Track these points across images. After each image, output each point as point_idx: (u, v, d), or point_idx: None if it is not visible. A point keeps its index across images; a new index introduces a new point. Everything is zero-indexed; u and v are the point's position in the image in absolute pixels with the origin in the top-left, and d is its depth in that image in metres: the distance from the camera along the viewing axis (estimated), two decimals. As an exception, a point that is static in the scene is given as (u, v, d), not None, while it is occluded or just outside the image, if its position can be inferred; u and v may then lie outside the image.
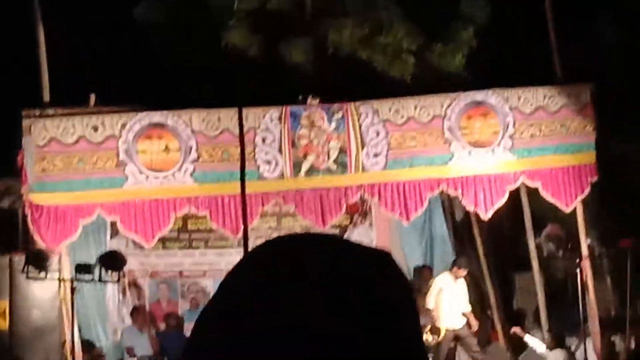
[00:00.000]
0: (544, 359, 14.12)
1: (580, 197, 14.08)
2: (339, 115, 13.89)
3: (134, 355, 14.46)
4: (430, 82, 14.85)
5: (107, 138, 13.39)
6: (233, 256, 15.01)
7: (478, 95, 14.15)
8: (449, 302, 14.26)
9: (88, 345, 14.29)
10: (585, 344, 13.90)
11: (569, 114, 14.16)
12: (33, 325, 13.38)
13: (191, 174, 13.55)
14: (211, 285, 15.88)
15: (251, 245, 13.35)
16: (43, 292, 13.37)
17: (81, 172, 13.30)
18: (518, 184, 14.17)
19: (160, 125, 13.59)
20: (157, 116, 13.61)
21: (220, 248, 16.01)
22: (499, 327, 15.80)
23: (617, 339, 14.48)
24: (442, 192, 14.53)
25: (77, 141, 13.31)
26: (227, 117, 13.66)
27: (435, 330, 14.26)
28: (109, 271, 13.15)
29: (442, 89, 14.28)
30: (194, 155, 13.55)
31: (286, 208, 14.67)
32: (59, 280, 13.03)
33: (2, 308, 13.47)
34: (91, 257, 13.85)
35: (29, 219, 13.26)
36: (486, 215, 14.06)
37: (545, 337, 14.62)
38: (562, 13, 14.71)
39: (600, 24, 16.59)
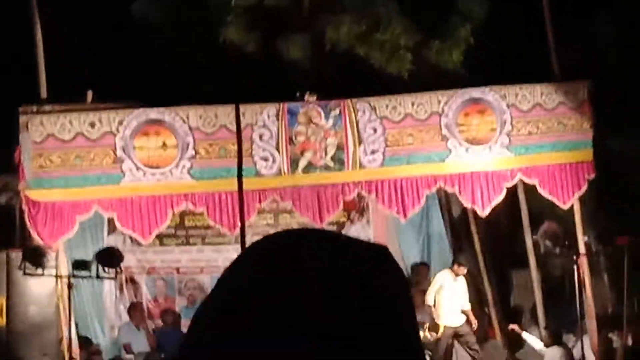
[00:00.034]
0: (541, 356, 14.12)
1: (577, 195, 14.10)
2: (336, 112, 13.89)
3: (131, 352, 14.45)
4: (428, 79, 14.84)
5: (104, 134, 13.39)
6: (230, 253, 15.02)
7: (475, 93, 14.15)
8: (449, 300, 14.27)
9: (85, 342, 14.28)
10: (582, 341, 13.91)
11: (567, 112, 14.17)
12: (30, 321, 13.37)
13: (188, 171, 13.55)
14: (208, 282, 15.87)
15: (248, 242, 13.35)
16: (40, 289, 13.37)
17: (78, 169, 13.30)
18: (515, 181, 14.18)
19: (158, 122, 13.59)
20: (154, 113, 13.61)
21: (218, 245, 16.00)
22: (496, 324, 15.80)
23: (614, 336, 14.49)
24: (439, 189, 14.54)
25: (74, 138, 13.31)
26: (224, 113, 13.66)
27: (434, 328, 14.27)
28: (106, 268, 13.14)
29: (439, 86, 14.28)
30: (191, 151, 13.55)
31: (283, 205, 14.67)
32: (56, 276, 13.02)
33: (-1, 304, 13.47)
34: (88, 254, 13.86)
35: (26, 215, 13.26)
36: (483, 212, 14.06)
37: (542, 334, 14.62)
38: (560, 10, 14.71)
39: (597, 22, 16.58)
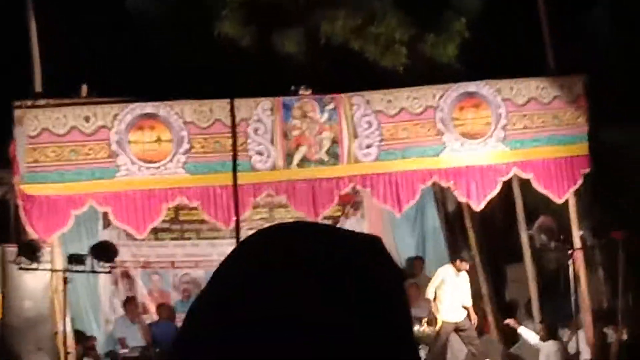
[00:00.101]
0: (536, 350, 14.14)
1: (572, 189, 14.10)
2: (331, 106, 13.88)
3: (126, 346, 14.46)
4: (423, 73, 14.84)
5: (99, 129, 13.37)
6: (225, 247, 14.99)
7: (470, 87, 14.15)
8: (450, 295, 14.26)
9: (80, 336, 14.27)
10: (577, 336, 13.93)
11: (562, 106, 14.16)
12: (25, 315, 13.37)
13: (183, 165, 13.54)
14: (203, 276, 15.87)
15: (243, 236, 13.34)
16: (35, 283, 13.36)
17: (73, 163, 13.28)
18: (510, 175, 14.18)
19: (152, 116, 13.57)
20: (149, 107, 13.59)
21: (212, 239, 16.01)
22: (491, 318, 15.81)
23: (609, 330, 14.50)
24: (434, 184, 14.53)
25: (68, 132, 13.29)
26: (219, 108, 13.65)
27: (432, 322, 14.28)
28: (101, 262, 13.13)
29: (434, 80, 14.28)
30: (185, 146, 13.54)
31: (278, 199, 14.65)
32: (51, 271, 13.01)
33: (-6, 299, 13.47)
34: (83, 248, 13.84)
35: (20, 209, 13.24)
36: (478, 206, 14.07)
37: (537, 328, 14.64)
38: (555, 4, 14.70)
39: (593, 16, 16.58)
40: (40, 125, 13.22)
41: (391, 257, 1.20)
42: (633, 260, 14.02)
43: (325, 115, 13.86)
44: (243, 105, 13.68)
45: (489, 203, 14.08)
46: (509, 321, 14.80)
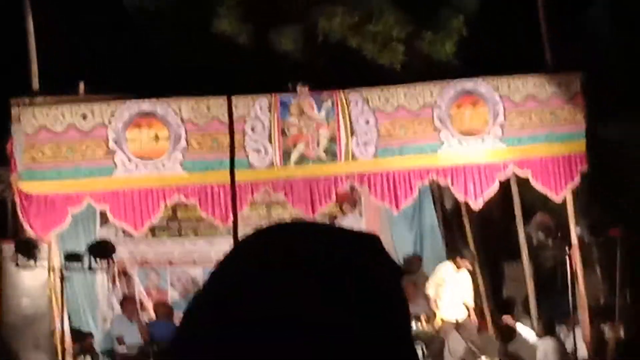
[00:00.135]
0: (533, 347, 14.15)
1: (570, 186, 14.09)
2: (329, 103, 13.88)
3: (124, 344, 14.44)
4: (420, 70, 14.83)
5: (96, 126, 13.37)
6: (223, 245, 15.00)
7: (468, 84, 14.14)
8: (451, 292, 14.27)
9: (78, 334, 14.26)
10: (574, 333, 13.94)
11: (559, 103, 14.16)
12: (23, 313, 13.37)
13: (180, 163, 13.53)
14: (201, 274, 15.86)
15: (241, 234, 13.35)
16: (33, 281, 13.36)
17: (70, 161, 13.28)
18: (508, 173, 14.17)
19: (150, 114, 13.57)
20: (146, 104, 13.59)
21: (210, 236, 16.00)
22: (488, 316, 15.82)
23: (606, 328, 14.52)
24: (432, 182, 14.53)
25: (66, 129, 13.28)
26: (216, 105, 13.65)
27: (431, 319, 14.29)
28: (98, 260, 13.13)
29: (432, 77, 14.27)
30: (183, 143, 13.53)
31: (276, 197, 14.65)
32: (49, 269, 13.01)
33: (-9, 296, 13.46)
34: (81, 246, 13.85)
35: (18, 207, 13.24)
36: (476, 204, 14.05)
37: (534, 326, 14.65)
38: (553, 1, 14.70)
39: (591, 13, 16.58)
40: (38, 123, 13.21)
41: (390, 255, 1.20)
42: (630, 257, 14.04)
43: (323, 113, 13.85)
44: (240, 103, 13.67)
45: (486, 201, 14.08)
46: (506, 318, 14.82)
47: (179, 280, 16.28)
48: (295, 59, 15.40)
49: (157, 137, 13.53)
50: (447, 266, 14.56)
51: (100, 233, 15.35)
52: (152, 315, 15.40)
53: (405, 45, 15.31)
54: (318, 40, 15.47)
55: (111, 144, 13.37)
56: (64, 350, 13.11)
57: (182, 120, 13.55)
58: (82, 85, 13.87)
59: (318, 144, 13.82)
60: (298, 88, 13.89)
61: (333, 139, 13.83)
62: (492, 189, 13.97)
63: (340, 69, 14.84)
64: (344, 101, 13.86)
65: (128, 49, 16.06)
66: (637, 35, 15.62)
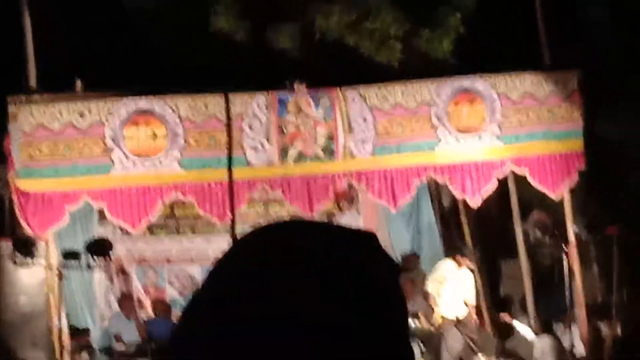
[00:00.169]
0: (531, 345, 14.16)
1: (567, 184, 14.09)
2: (326, 101, 13.87)
3: (122, 342, 14.44)
4: (418, 68, 14.83)
5: (93, 124, 13.35)
6: (220, 242, 14.98)
7: (465, 81, 14.14)
8: (452, 290, 14.28)
9: (75, 332, 14.26)
10: (571, 330, 13.95)
11: (557, 101, 14.16)
12: (20, 311, 13.37)
13: (178, 161, 13.52)
14: (198, 272, 15.86)
15: (238, 231, 13.35)
16: (30, 279, 13.36)
17: (68, 158, 13.26)
18: (505, 170, 14.16)
19: (147, 112, 13.55)
20: (143, 102, 13.57)
21: (208, 234, 15.99)
22: (485, 313, 15.82)
23: (603, 325, 14.53)
24: (429, 179, 14.53)
25: (63, 127, 13.27)
26: (214, 103, 13.64)
27: (429, 316, 14.29)
28: (96, 258, 13.12)
29: (429, 75, 14.27)
30: (180, 141, 13.52)
31: (273, 194, 14.65)
32: (46, 266, 13.00)
33: (-12, 294, 13.46)
34: (78, 243, 13.84)
35: (15, 205, 13.22)
36: (474, 202, 14.05)
37: (531, 323, 14.66)
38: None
39: (588, 11, 16.58)
40: (35, 120, 13.20)
41: (387, 253, 1.21)
42: (627, 255, 14.05)
43: (320, 111, 13.84)
44: (238, 100, 13.66)
45: (484, 199, 14.07)
46: (504, 316, 14.82)
47: (177, 278, 16.27)
48: (292, 56, 15.40)
49: (154, 135, 13.52)
50: (448, 264, 14.56)
51: (98, 231, 15.33)
52: (150, 313, 15.39)
53: (402, 43, 15.31)
54: (316, 38, 15.47)
55: (109, 142, 13.35)
56: (61, 347, 13.10)
57: (179, 117, 13.53)
58: (79, 83, 13.86)
59: (316, 142, 13.81)
60: (295, 86, 13.88)
61: (331, 137, 13.82)
62: (490, 187, 13.97)
63: (338, 67, 14.83)
64: (342, 99, 13.85)
65: (125, 47, 16.05)
66: (634, 33, 15.63)
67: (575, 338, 14.00)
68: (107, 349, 14.59)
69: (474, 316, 14.62)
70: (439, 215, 16.67)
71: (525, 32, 14.77)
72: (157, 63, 15.53)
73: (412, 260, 15.98)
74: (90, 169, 13.29)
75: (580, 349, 14.14)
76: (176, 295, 15.98)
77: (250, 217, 15.24)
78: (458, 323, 14.41)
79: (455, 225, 16.27)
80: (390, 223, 16.31)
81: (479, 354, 14.39)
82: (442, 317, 14.34)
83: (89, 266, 13.15)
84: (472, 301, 14.57)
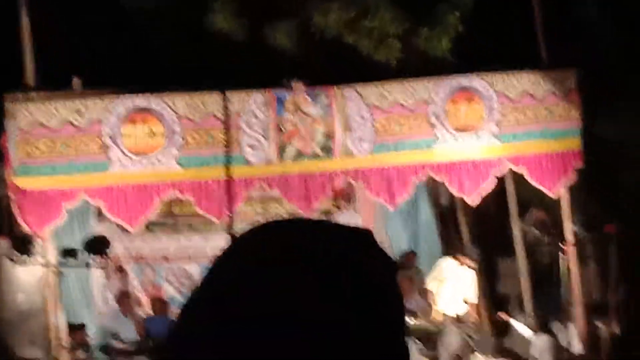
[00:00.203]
0: (528, 343, 14.17)
1: (565, 183, 14.10)
2: (324, 99, 13.87)
3: (120, 340, 14.44)
4: (416, 66, 14.83)
5: (91, 122, 13.34)
6: (218, 240, 15.00)
7: (463, 80, 14.14)
8: (452, 288, 14.29)
9: (73, 329, 14.25)
10: (569, 329, 13.96)
11: (555, 100, 14.16)
12: (18, 309, 13.37)
13: (176, 158, 13.51)
14: (196, 270, 15.87)
15: (236, 230, 13.35)
16: (28, 276, 13.35)
17: (65, 156, 13.25)
18: (503, 169, 14.17)
19: (145, 109, 13.54)
20: (141, 100, 13.56)
21: (206, 232, 15.99)
22: (483, 312, 15.83)
23: (600, 324, 14.54)
24: (427, 178, 14.53)
25: (60, 125, 13.25)
26: (211, 100, 13.63)
27: (428, 314, 14.31)
28: (94, 255, 13.12)
29: (427, 73, 14.27)
30: (178, 139, 13.51)
31: (271, 193, 14.64)
32: (44, 264, 13.00)
33: (-14, 292, 13.46)
34: (76, 241, 13.83)
35: (12, 203, 13.21)
36: (472, 200, 14.05)
37: (529, 322, 14.66)
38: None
39: (586, 10, 16.59)
40: (32, 118, 13.18)
41: (384, 250, 1.21)
42: (625, 253, 14.06)
43: (319, 109, 13.84)
44: (236, 98, 13.65)
45: (482, 197, 14.08)
46: (501, 314, 14.83)
47: (175, 276, 16.27)
48: (290, 54, 15.40)
49: (152, 133, 13.51)
50: (448, 262, 14.57)
51: (96, 229, 15.33)
52: (148, 310, 15.39)
53: (401, 41, 15.30)
54: (314, 36, 15.46)
55: (106, 140, 13.34)
56: (59, 345, 13.09)
57: (177, 115, 13.53)
58: (76, 81, 13.84)
59: (314, 140, 13.81)
60: (294, 84, 13.87)
61: (329, 135, 13.82)
62: (488, 185, 13.97)
63: (336, 65, 14.83)
64: (340, 97, 13.85)
65: (122, 44, 16.05)
66: (632, 32, 15.64)
67: (573, 336, 14.01)
68: (104, 346, 14.58)
69: (474, 314, 14.63)
70: (437, 213, 16.68)
71: (523, 31, 14.77)
72: (154, 61, 15.53)
73: (409, 258, 16.00)
74: (87, 167, 13.28)
75: (577, 347, 14.15)
76: (174, 293, 15.99)
77: (248, 215, 15.24)
78: (457, 321, 14.43)
79: (453, 224, 16.28)
80: (388, 221, 16.33)
81: (476, 353, 14.39)
82: (443, 315, 14.35)
83: (86, 264, 13.14)
84: (473, 299, 14.59)
